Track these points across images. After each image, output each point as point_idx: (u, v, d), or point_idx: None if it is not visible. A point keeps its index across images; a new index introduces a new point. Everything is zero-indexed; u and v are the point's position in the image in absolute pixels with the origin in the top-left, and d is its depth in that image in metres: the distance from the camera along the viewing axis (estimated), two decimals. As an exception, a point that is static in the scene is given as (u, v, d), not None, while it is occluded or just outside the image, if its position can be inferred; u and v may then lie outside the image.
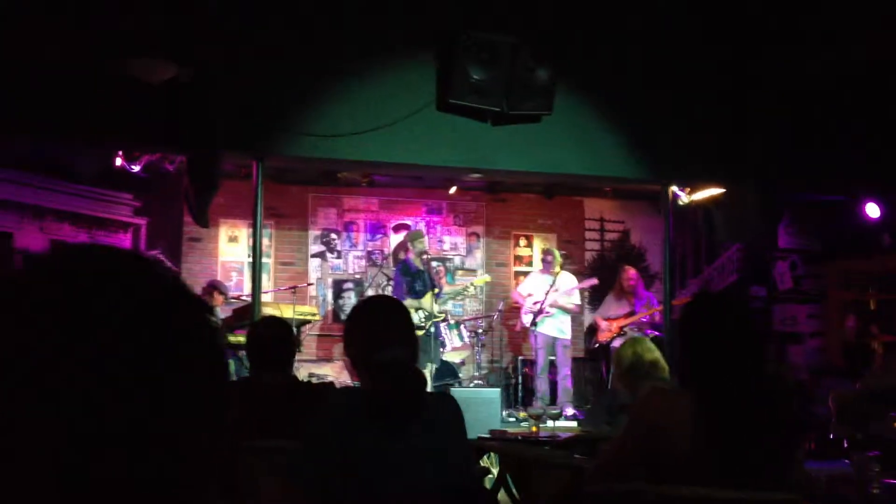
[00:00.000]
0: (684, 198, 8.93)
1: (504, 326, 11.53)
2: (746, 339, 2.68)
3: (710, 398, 2.58)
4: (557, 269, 9.91)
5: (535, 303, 9.79)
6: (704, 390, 2.61)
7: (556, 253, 10.15)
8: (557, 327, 9.86)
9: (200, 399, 0.84)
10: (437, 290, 9.48)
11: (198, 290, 9.93)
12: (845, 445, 4.40)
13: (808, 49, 7.71)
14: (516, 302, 10.45)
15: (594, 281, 10.38)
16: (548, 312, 9.78)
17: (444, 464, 2.57)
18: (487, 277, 11.20)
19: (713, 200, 8.54)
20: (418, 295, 9.36)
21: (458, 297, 11.22)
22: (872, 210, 9.36)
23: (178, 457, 0.81)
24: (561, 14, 7.61)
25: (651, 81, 7.88)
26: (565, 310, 9.95)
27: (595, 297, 11.14)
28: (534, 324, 9.85)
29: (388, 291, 10.45)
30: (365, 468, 2.48)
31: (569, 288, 9.97)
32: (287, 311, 8.93)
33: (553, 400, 9.62)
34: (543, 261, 10.30)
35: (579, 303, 10.28)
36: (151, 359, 0.80)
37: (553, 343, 9.84)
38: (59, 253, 0.87)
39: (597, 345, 10.30)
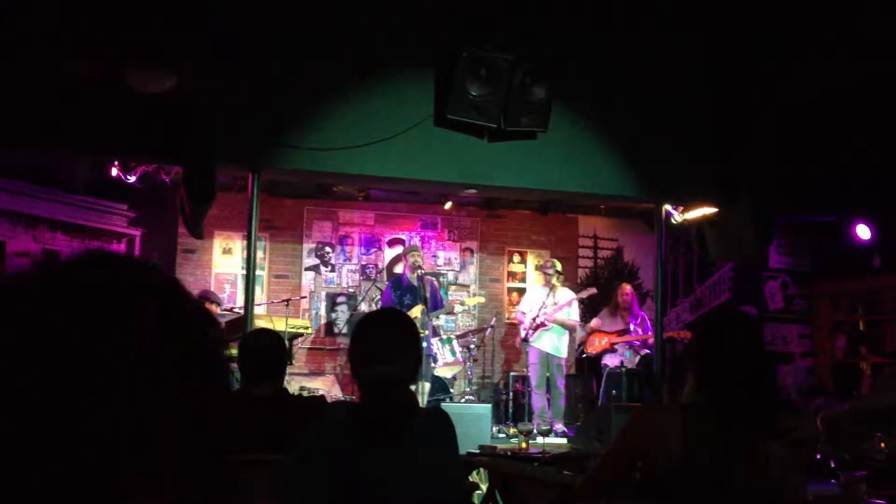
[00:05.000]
0: (677, 217, 8.97)
1: (500, 343, 11.53)
2: (758, 356, 2.70)
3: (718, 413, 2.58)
4: (555, 282, 9.90)
5: (533, 318, 9.79)
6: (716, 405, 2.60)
7: (557, 263, 10.09)
8: (553, 344, 9.82)
9: (185, 399, 0.85)
10: (426, 307, 9.43)
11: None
12: (832, 465, 4.41)
13: (801, 71, 7.76)
14: (519, 321, 10.35)
15: (592, 290, 10.31)
16: (546, 327, 9.77)
17: (432, 480, 2.58)
18: (481, 299, 11.19)
19: (706, 220, 8.58)
20: (406, 309, 9.32)
21: (448, 314, 11.17)
22: (863, 231, 9.42)
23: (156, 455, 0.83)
24: (558, 33, 7.66)
25: (645, 100, 7.93)
26: (564, 325, 9.92)
27: (590, 315, 11.15)
28: (525, 340, 9.85)
29: (380, 305, 10.44)
30: (354, 484, 2.49)
31: (566, 300, 9.95)
32: (280, 324, 8.92)
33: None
34: (544, 272, 10.21)
35: (577, 318, 10.25)
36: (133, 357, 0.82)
37: (548, 360, 9.83)
38: (55, 261, 0.89)
39: (584, 355, 10.25)
